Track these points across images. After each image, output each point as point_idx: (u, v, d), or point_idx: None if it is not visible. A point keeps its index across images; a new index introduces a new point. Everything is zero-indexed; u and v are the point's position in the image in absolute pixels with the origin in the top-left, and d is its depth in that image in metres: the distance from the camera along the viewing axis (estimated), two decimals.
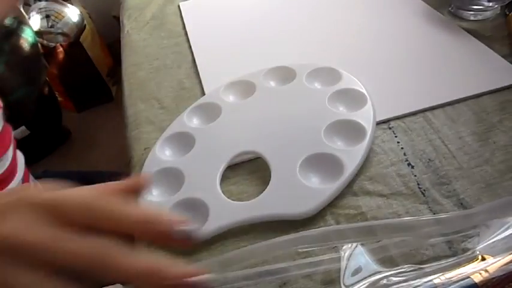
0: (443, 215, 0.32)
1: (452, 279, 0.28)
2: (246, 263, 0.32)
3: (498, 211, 0.30)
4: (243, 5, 0.70)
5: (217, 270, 0.31)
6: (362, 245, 0.31)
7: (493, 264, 0.29)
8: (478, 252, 0.30)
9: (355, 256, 0.30)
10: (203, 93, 0.53)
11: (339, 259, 0.30)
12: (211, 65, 0.57)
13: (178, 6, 0.73)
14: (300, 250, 0.31)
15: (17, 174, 0.52)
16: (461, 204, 0.36)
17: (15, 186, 0.51)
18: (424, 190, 0.38)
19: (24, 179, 0.54)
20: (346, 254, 0.30)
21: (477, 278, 0.28)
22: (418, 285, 0.28)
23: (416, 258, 0.32)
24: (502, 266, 0.28)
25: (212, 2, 0.73)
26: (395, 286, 0.29)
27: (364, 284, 0.29)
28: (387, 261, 0.31)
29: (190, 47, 0.63)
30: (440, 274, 0.28)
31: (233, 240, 0.37)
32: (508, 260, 0.29)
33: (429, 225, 0.31)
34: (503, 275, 0.28)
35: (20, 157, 0.55)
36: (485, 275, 0.28)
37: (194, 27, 0.66)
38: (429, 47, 0.54)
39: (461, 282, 0.28)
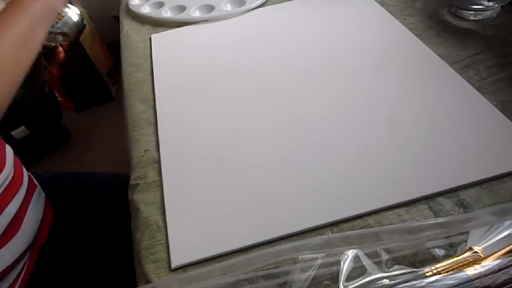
0: (445, 219, 0.32)
1: (445, 272, 0.28)
2: (248, 269, 0.32)
3: (499, 215, 0.30)
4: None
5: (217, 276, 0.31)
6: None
7: (487, 258, 0.29)
8: (477, 252, 0.30)
9: (355, 258, 0.30)
10: None
11: (338, 261, 0.30)
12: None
13: (150, 38, 0.68)
14: (301, 257, 0.31)
15: (5, 168, 0.52)
16: (462, 204, 0.36)
17: (3, 179, 0.51)
18: None
19: (16, 172, 0.54)
20: (346, 257, 0.30)
21: (470, 271, 0.28)
22: (420, 286, 0.28)
23: (416, 260, 0.32)
24: (494, 259, 0.28)
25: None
26: (395, 287, 0.28)
27: (363, 286, 0.29)
28: (387, 263, 0.31)
29: None
30: (442, 276, 0.28)
31: None
32: (501, 253, 0.29)
33: (432, 229, 0.31)
34: (497, 268, 0.28)
35: (9, 151, 0.55)
36: (478, 268, 0.28)
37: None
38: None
39: (455, 275, 0.28)
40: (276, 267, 0.32)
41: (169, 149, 0.47)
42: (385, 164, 0.40)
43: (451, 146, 0.41)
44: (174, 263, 0.36)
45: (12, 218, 0.51)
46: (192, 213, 0.40)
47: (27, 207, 0.54)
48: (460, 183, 0.37)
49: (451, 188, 0.37)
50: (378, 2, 0.65)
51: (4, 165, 0.52)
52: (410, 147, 0.42)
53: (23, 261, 0.52)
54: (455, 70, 0.50)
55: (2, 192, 0.50)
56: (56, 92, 1.58)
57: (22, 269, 0.52)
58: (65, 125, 1.58)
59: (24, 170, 0.58)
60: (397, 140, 0.43)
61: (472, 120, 0.43)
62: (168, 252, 0.37)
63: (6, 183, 0.51)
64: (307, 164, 0.42)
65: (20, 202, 0.53)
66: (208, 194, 0.41)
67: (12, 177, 0.53)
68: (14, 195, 0.52)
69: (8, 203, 0.51)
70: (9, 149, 0.55)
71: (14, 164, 0.55)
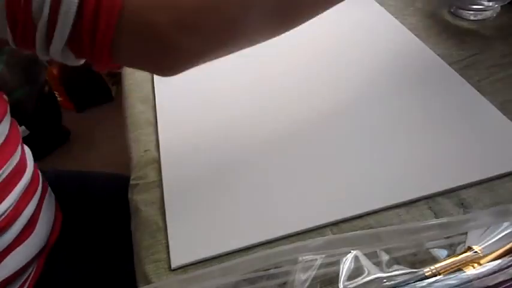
0: (445, 219, 0.32)
1: (444, 271, 0.29)
2: (248, 269, 0.32)
3: (499, 216, 0.30)
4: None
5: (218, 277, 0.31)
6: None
7: (486, 257, 0.29)
8: (476, 252, 0.30)
9: (355, 259, 0.30)
10: None
11: (339, 262, 0.30)
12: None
13: None
14: (301, 257, 0.31)
15: (27, 170, 0.52)
16: (462, 204, 0.36)
17: (26, 182, 0.51)
18: None
19: (34, 174, 0.54)
20: (346, 257, 0.30)
21: (470, 271, 0.28)
22: (419, 286, 0.28)
23: (416, 260, 0.32)
24: (494, 258, 0.29)
25: None
26: None
27: (363, 286, 0.29)
28: (387, 264, 0.31)
29: None
30: (441, 276, 0.28)
31: None
32: (500, 252, 0.29)
33: (432, 229, 0.31)
34: (497, 268, 0.28)
35: (28, 152, 0.55)
36: (478, 268, 0.28)
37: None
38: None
39: (455, 275, 0.28)
40: (276, 268, 0.32)
41: (170, 149, 0.47)
42: (385, 164, 0.40)
43: (452, 146, 0.41)
44: (174, 263, 0.36)
45: (29, 219, 0.51)
46: (192, 213, 0.40)
47: (41, 208, 0.54)
48: (460, 183, 0.37)
49: (451, 188, 0.37)
50: (377, 2, 0.65)
51: (26, 167, 0.52)
52: (410, 147, 0.42)
53: (34, 264, 0.52)
54: (455, 70, 0.50)
55: (23, 194, 0.50)
56: (56, 92, 1.57)
57: (31, 272, 0.52)
58: (65, 125, 1.58)
59: (38, 170, 0.58)
60: (396, 140, 0.43)
61: (472, 120, 0.43)
62: (168, 252, 0.37)
63: (27, 184, 0.51)
64: (308, 164, 0.42)
65: (36, 203, 0.53)
66: (209, 194, 0.41)
67: (31, 178, 0.53)
68: (33, 197, 0.52)
69: (27, 205, 0.50)
70: (27, 149, 0.55)
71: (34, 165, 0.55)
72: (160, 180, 0.43)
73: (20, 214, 0.49)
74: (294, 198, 0.39)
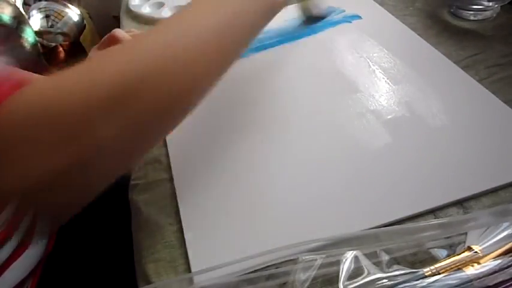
0: (445, 219, 0.32)
1: (444, 271, 0.29)
2: (248, 269, 0.32)
3: (499, 216, 0.30)
4: None
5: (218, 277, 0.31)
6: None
7: (486, 257, 0.29)
8: (476, 252, 0.30)
9: (355, 259, 0.30)
10: None
11: (338, 262, 0.30)
12: None
13: None
14: (301, 257, 0.31)
15: None
16: (461, 204, 0.36)
17: None
18: None
19: None
20: (346, 257, 0.30)
21: (470, 271, 0.28)
22: (419, 286, 0.28)
23: (416, 260, 0.32)
24: (493, 258, 0.29)
25: None
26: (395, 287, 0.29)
27: (363, 286, 0.29)
28: (387, 264, 0.31)
29: None
30: (441, 276, 0.28)
31: None
32: (500, 252, 0.29)
33: (431, 230, 0.31)
34: (497, 268, 0.28)
35: None
36: (478, 268, 0.28)
37: None
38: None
39: (455, 275, 0.28)
40: (276, 268, 0.33)
41: (178, 149, 0.46)
42: (390, 178, 0.39)
43: (459, 157, 0.40)
44: (194, 268, 0.35)
45: (26, 230, 0.50)
46: (207, 217, 0.39)
47: (37, 218, 0.54)
48: (469, 194, 0.36)
49: (458, 200, 0.36)
50: (377, 2, 0.65)
51: None
52: (420, 158, 0.40)
53: (32, 275, 0.52)
54: None
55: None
56: None
57: (28, 285, 0.52)
58: None
59: None
60: (403, 154, 0.41)
61: (489, 127, 0.42)
62: (169, 252, 0.37)
63: None
64: (320, 170, 0.41)
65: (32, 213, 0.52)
66: (222, 197, 0.40)
67: None
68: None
69: (24, 217, 0.50)
70: None
71: None
72: (160, 180, 0.44)
73: (17, 228, 0.49)
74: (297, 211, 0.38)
